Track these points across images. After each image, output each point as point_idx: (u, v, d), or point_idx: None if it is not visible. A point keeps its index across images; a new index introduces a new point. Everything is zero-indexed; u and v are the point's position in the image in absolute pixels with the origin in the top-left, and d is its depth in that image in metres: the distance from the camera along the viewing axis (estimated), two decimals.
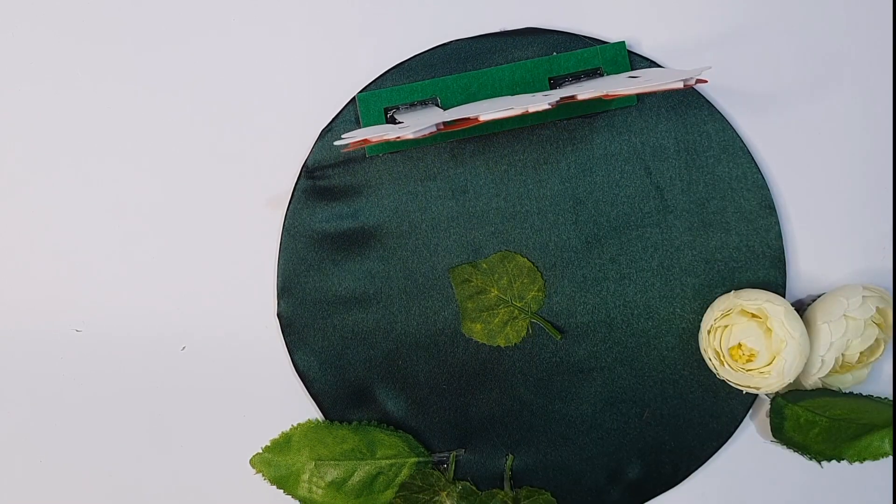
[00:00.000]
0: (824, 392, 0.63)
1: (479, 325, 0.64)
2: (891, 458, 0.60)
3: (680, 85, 0.54)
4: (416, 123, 0.57)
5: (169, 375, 0.65)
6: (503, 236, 0.64)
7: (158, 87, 0.64)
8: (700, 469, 0.65)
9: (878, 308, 0.62)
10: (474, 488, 0.65)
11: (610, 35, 0.64)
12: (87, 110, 0.64)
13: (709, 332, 0.62)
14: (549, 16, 0.64)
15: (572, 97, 0.56)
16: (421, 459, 0.64)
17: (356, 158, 0.64)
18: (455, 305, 0.64)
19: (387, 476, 0.64)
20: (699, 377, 0.65)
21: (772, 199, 0.64)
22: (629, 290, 0.65)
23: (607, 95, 0.55)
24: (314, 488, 0.63)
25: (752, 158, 0.64)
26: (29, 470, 0.65)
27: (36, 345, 0.65)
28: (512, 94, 0.63)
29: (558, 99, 0.55)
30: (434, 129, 0.55)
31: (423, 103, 0.63)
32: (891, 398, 0.65)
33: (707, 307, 0.64)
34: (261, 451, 0.63)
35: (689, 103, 0.64)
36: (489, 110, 0.55)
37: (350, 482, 0.64)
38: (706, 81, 0.56)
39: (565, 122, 0.64)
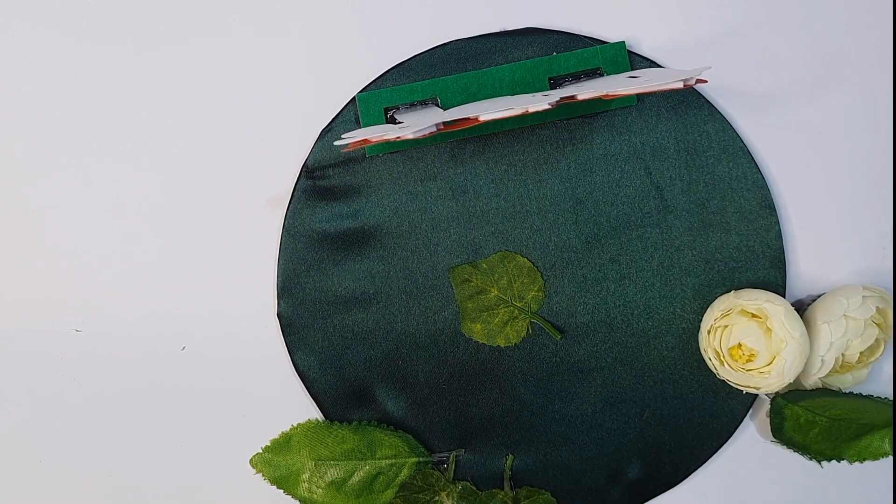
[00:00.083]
0: (824, 392, 0.63)
1: (479, 325, 0.64)
2: (891, 458, 0.60)
3: (680, 85, 0.54)
4: (416, 123, 0.57)
5: (169, 375, 0.65)
6: (503, 236, 0.64)
7: (158, 87, 0.64)
8: (700, 469, 0.65)
9: (878, 308, 0.62)
10: (474, 488, 0.65)
11: (610, 35, 0.64)
12: (87, 110, 0.64)
13: (709, 332, 0.62)
14: (549, 16, 0.64)
15: (572, 97, 0.56)
16: (421, 459, 0.64)
17: (356, 158, 0.64)
18: (455, 305, 0.64)
19: (387, 476, 0.64)
20: (699, 377, 0.65)
21: (772, 199, 0.64)
22: (629, 290, 0.65)
23: (607, 95, 0.55)
24: (314, 488, 0.63)
25: (752, 158, 0.64)
26: (29, 470, 0.65)
27: (36, 345, 0.65)
28: (512, 94, 0.63)
29: (558, 99, 0.55)
30: (434, 129, 0.55)
31: (423, 103, 0.63)
32: (891, 398, 0.65)
33: (707, 307, 0.64)
34: (261, 451, 0.63)
35: (689, 103, 0.64)
36: (489, 110, 0.55)
37: (350, 482, 0.64)
38: (706, 81, 0.56)
39: (565, 122, 0.64)
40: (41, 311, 0.64)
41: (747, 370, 0.61)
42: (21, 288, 0.64)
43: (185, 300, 0.65)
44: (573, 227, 0.64)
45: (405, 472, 0.64)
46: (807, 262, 0.66)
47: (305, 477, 0.63)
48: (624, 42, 0.64)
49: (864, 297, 0.62)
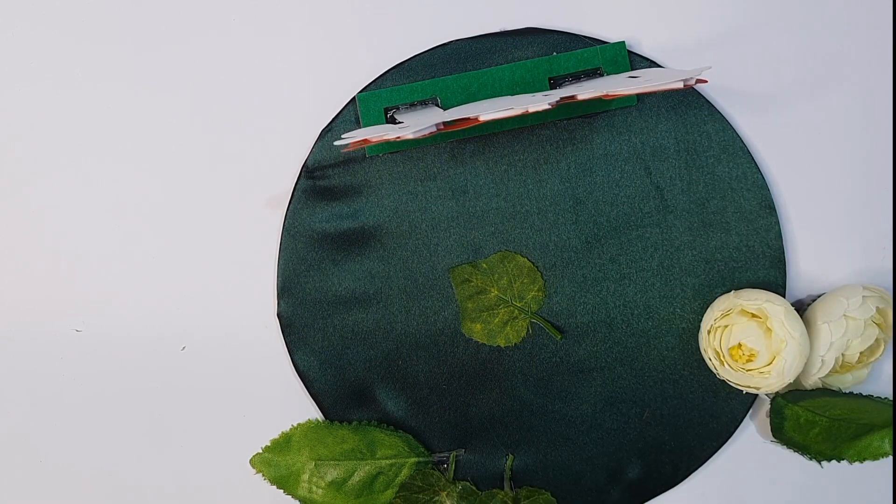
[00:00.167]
0: (824, 392, 0.63)
1: (479, 325, 0.64)
2: (891, 458, 0.60)
3: (680, 85, 0.54)
4: (416, 123, 0.57)
5: (169, 375, 0.65)
6: (503, 236, 0.64)
7: (158, 87, 0.64)
8: (700, 469, 0.65)
9: (878, 308, 0.62)
10: (474, 488, 0.65)
11: (610, 35, 0.64)
12: (87, 110, 0.64)
13: (709, 332, 0.62)
14: (549, 16, 0.64)
15: (572, 97, 0.56)
16: (421, 459, 0.64)
17: (356, 158, 0.64)
18: (455, 305, 0.64)
19: (387, 476, 0.64)
20: (699, 377, 0.65)
21: (772, 199, 0.64)
22: (629, 290, 0.65)
23: (607, 95, 0.55)
24: (314, 488, 0.63)
25: (752, 158, 0.64)
26: (29, 470, 0.65)
27: (36, 345, 0.65)
28: (512, 94, 0.63)
29: (558, 99, 0.55)
30: (434, 129, 0.55)
31: (423, 103, 0.63)
32: (891, 398, 0.65)
33: (707, 307, 0.64)
34: (261, 451, 0.63)
35: (689, 103, 0.64)
36: (489, 110, 0.55)
37: (350, 482, 0.64)
38: (706, 81, 0.56)
39: (565, 122, 0.64)
40: (41, 311, 0.64)
41: (747, 370, 0.61)
42: (21, 288, 0.64)
43: (185, 300, 0.65)
44: (573, 227, 0.64)
45: (405, 472, 0.64)
46: (807, 262, 0.66)
47: (305, 477, 0.63)
48: (624, 42, 0.64)
49: (864, 297, 0.62)
